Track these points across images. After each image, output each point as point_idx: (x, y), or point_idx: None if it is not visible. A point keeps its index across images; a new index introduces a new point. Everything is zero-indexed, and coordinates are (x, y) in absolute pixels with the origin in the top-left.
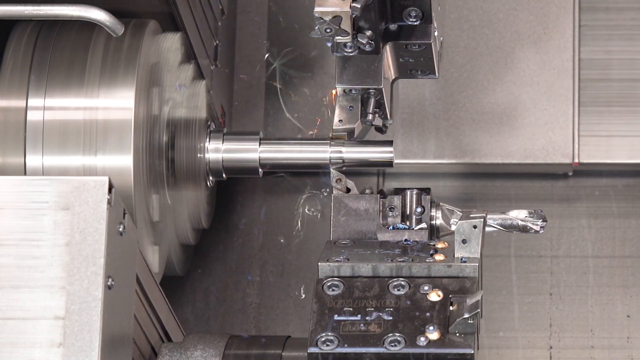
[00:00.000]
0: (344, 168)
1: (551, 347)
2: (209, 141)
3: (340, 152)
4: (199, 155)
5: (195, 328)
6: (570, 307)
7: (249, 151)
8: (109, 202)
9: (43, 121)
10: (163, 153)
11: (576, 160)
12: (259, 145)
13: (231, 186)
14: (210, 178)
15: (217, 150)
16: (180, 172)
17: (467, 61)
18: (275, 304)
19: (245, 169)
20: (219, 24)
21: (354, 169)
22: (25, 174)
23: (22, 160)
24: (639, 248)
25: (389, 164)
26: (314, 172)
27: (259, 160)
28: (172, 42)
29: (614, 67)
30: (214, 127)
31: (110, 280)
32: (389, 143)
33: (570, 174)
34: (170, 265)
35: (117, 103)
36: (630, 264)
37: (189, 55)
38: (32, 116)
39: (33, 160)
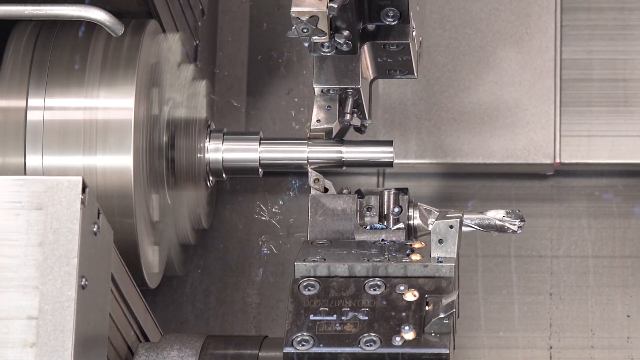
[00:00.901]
0: (344, 168)
1: (551, 347)
2: (209, 141)
3: (341, 152)
4: (199, 155)
5: (195, 328)
6: (570, 307)
7: (249, 151)
8: (82, 202)
9: (43, 121)
10: (163, 153)
11: (557, 160)
12: (259, 145)
13: (231, 186)
14: (211, 178)
15: (217, 150)
16: (180, 172)
17: (449, 61)
18: (275, 304)
19: (245, 169)
20: (199, 24)
21: (353, 170)
22: (25, 174)
23: (22, 160)
24: (639, 248)
25: (389, 164)
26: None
27: (259, 160)
28: (172, 42)
29: (596, 67)
30: (213, 127)
31: (84, 280)
32: (389, 143)
33: (551, 173)
34: (170, 265)
35: (117, 103)
36: (630, 264)
37: (189, 55)
38: (32, 116)
39: (33, 160)
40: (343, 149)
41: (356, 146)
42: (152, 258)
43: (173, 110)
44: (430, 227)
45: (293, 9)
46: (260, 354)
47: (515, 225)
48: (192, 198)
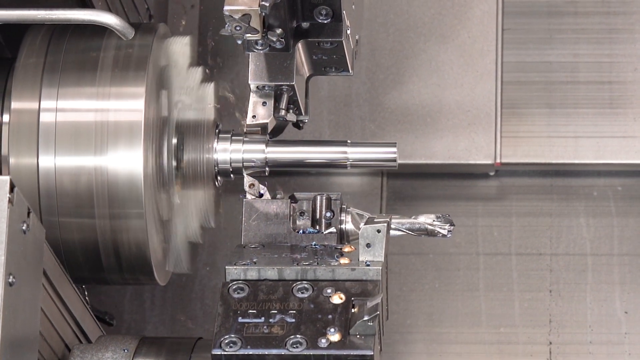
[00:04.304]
0: (348, 168)
1: (550, 343)
2: (217, 142)
3: (346, 152)
4: (207, 156)
5: (204, 325)
6: (569, 304)
7: (256, 152)
8: (10, 201)
9: (55, 122)
10: (172, 154)
11: (498, 161)
12: (266, 146)
13: (239, 185)
14: (218, 178)
15: (225, 151)
16: (189, 172)
17: (392, 64)
18: None
19: (252, 169)
20: None
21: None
22: (37, 174)
23: (34, 160)
24: (637, 246)
25: (393, 164)
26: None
27: (266, 160)
28: (181, 45)
29: (582, 70)
30: (222, 127)
31: (11, 277)
32: (393, 144)
33: (492, 173)
34: (178, 264)
35: (128, 105)
36: (627, 261)
37: (198, 58)
38: (44, 118)
39: (45, 160)
40: (348, 149)
41: (360, 147)
42: (161, 256)
43: (182, 112)
44: None
45: (226, 7)
46: (192, 355)
47: (445, 229)
48: (201, 198)
